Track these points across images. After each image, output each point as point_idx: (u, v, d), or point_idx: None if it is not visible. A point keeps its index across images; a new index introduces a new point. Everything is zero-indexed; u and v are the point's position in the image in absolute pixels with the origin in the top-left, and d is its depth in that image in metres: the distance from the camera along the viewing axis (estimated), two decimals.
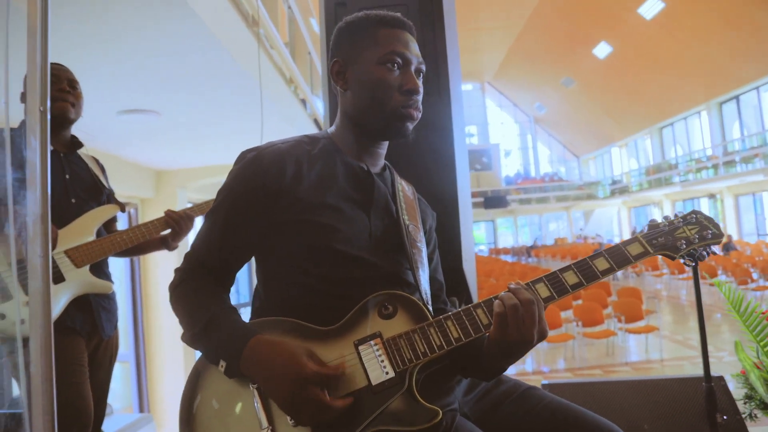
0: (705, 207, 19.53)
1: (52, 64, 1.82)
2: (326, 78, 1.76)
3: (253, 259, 1.14)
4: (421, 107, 1.11)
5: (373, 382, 0.93)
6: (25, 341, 1.03)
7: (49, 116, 1.11)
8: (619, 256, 1.01)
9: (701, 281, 10.79)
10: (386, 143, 1.18)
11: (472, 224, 1.85)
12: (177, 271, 1.10)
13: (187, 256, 1.10)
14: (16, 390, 1.39)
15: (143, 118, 3.65)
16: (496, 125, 31.29)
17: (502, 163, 29.30)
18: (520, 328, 0.92)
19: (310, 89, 5.22)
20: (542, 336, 0.93)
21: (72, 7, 2.12)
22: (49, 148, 1.10)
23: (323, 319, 1.00)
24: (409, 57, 1.10)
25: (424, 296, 1.06)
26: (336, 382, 0.93)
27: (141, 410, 5.49)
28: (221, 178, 1.18)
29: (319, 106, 5.59)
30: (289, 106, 4.14)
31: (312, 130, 5.05)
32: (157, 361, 5.59)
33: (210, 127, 4.12)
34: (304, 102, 5.02)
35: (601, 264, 1.00)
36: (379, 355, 0.94)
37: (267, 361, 0.92)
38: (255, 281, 1.18)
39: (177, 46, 2.56)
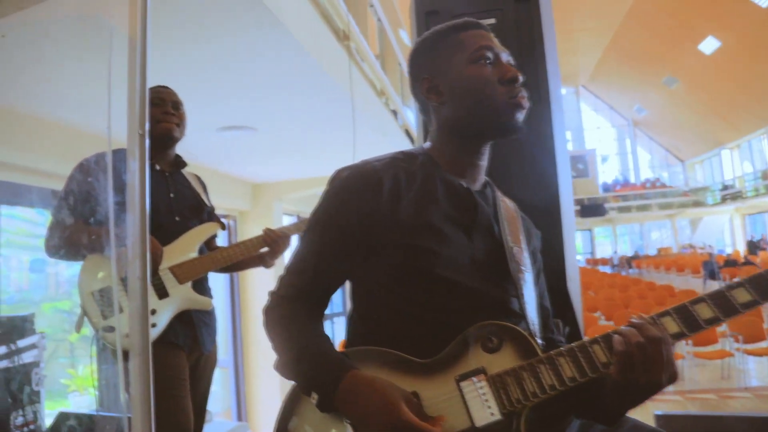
0: None
1: (158, 87, 1.95)
2: None
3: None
4: (526, 94, 1.04)
5: (477, 424, 0.84)
6: (126, 354, 1.06)
7: (147, 140, 1.12)
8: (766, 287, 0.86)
9: None
10: (486, 154, 1.10)
11: (575, 239, 1.72)
12: (271, 294, 1.07)
13: (281, 280, 1.07)
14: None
15: (241, 134, 3.81)
16: (591, 130, 30.00)
17: (599, 170, 27.99)
18: (647, 370, 0.81)
19: (401, 100, 5.18)
20: (672, 379, 0.81)
21: (178, 32, 2.21)
22: (148, 169, 1.11)
23: (422, 349, 0.93)
24: (497, 50, 1.07)
25: (531, 327, 0.96)
26: None
27: (239, 416, 5.67)
28: (316, 190, 1.15)
29: (410, 116, 5.57)
30: (380, 118, 4.13)
31: (404, 140, 5.02)
32: (254, 370, 5.78)
33: (304, 140, 4.21)
34: (395, 113, 4.97)
35: (742, 296, 0.85)
36: (483, 394, 0.85)
37: (362, 401, 0.86)
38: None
39: (272, 64, 2.62)
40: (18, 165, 3.13)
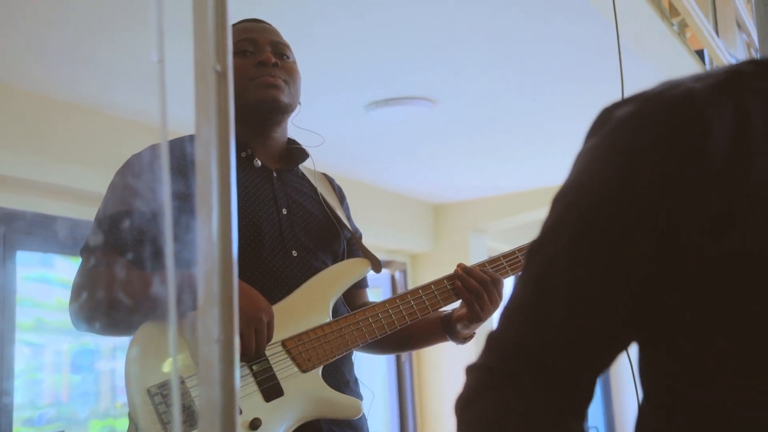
0: None
1: (246, 21, 1.25)
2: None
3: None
4: None
5: None
6: None
7: (231, 80, 0.64)
8: None
9: None
10: None
11: None
12: (470, 371, 0.56)
13: (491, 344, 0.56)
14: None
15: (407, 112, 2.55)
16: None
17: None
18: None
19: (713, 31, 3.15)
20: None
21: None
22: (234, 151, 0.63)
23: None
24: None
25: None
26: None
27: None
28: (546, 212, 0.55)
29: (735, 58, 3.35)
30: (667, 59, 2.53)
31: None
32: None
33: (522, 118, 2.76)
34: (700, 54, 3.05)
35: None
36: None
37: None
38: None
39: None
40: (58, 186, 2.20)
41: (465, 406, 0.54)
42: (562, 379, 0.52)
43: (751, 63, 0.53)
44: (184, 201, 0.69)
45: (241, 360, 1.03)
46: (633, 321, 0.51)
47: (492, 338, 0.55)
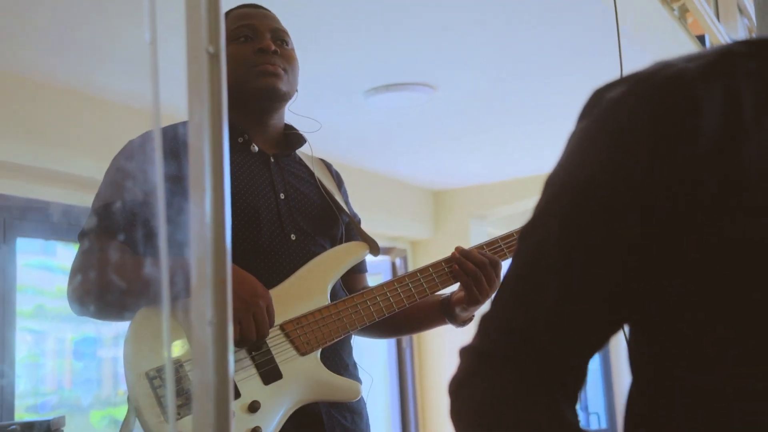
0: None
1: (244, 7, 1.22)
2: None
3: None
4: None
5: None
6: None
7: (224, 61, 0.62)
8: None
9: None
10: None
11: None
12: (463, 354, 0.56)
13: (484, 326, 0.55)
14: None
15: (407, 98, 2.54)
16: None
17: None
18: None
19: (714, 16, 3.15)
20: None
21: None
22: (227, 131, 0.62)
23: None
24: None
25: None
26: None
27: None
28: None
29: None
30: (668, 44, 2.54)
31: None
32: None
33: (521, 107, 2.78)
34: (701, 40, 3.06)
35: None
36: None
37: None
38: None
39: None
40: (59, 173, 2.22)
41: (458, 389, 0.54)
42: (553, 363, 0.52)
43: (743, 43, 0.53)
44: (181, 185, 0.68)
45: (243, 346, 1.02)
46: (626, 304, 0.51)
47: (484, 321, 0.55)
